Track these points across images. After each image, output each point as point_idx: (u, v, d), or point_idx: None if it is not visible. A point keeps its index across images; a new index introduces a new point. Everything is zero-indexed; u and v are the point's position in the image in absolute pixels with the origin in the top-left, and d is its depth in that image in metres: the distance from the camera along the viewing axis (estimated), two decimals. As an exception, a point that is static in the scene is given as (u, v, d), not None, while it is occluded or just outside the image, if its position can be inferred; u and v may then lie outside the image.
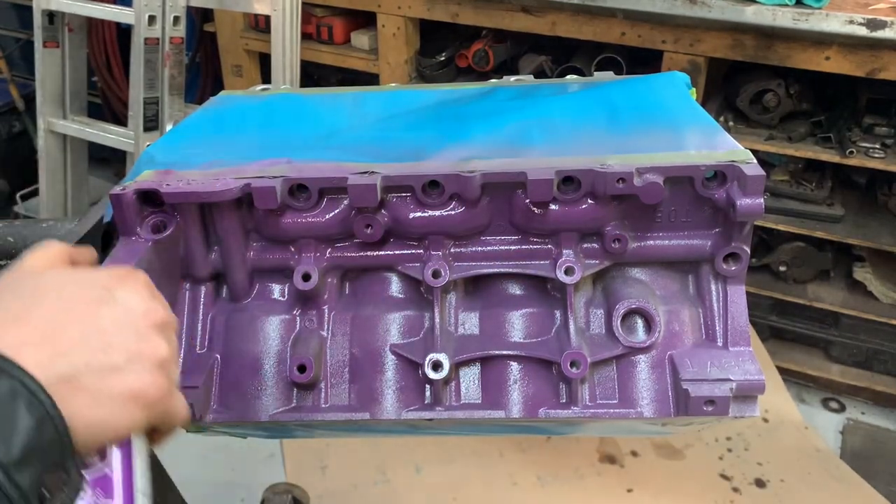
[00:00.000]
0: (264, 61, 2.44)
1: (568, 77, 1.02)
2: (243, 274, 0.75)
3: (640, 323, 0.72)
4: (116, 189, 0.68)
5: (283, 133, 0.83)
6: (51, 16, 2.45)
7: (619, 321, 0.71)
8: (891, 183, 2.12)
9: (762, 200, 0.66)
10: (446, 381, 0.70)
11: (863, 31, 1.68)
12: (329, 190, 0.72)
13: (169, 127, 2.30)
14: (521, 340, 0.73)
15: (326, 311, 0.75)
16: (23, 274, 0.52)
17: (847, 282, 2.24)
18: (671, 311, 0.72)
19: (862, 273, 2.18)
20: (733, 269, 0.70)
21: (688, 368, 0.69)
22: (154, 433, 0.54)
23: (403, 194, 0.72)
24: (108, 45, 2.96)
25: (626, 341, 0.70)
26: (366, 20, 2.37)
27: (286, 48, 2.11)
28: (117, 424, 0.47)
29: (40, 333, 0.46)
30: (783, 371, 2.32)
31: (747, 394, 0.69)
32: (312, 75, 2.56)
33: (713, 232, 0.72)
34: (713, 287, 0.72)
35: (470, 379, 0.72)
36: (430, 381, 0.70)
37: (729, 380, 0.68)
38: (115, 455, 0.50)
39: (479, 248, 0.75)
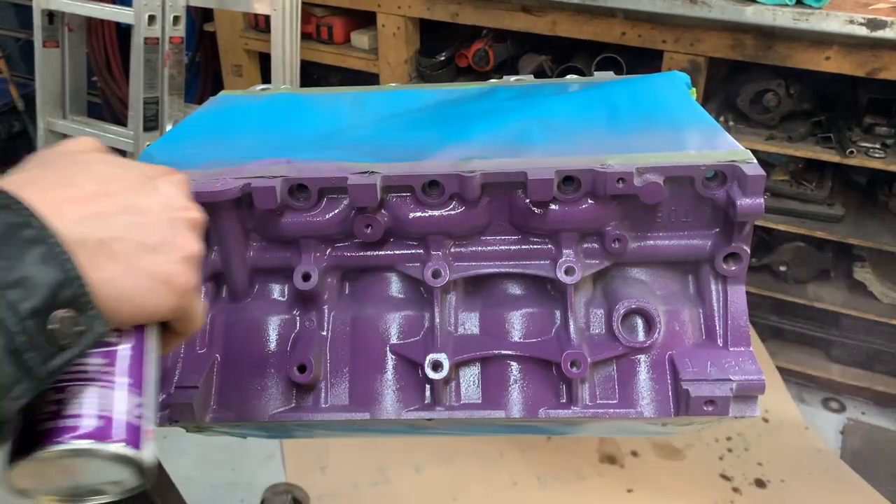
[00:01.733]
0: (264, 61, 2.43)
1: (568, 77, 1.02)
2: (243, 274, 0.75)
3: (640, 323, 0.72)
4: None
5: (283, 133, 0.83)
6: (50, 15, 2.45)
7: (619, 321, 0.71)
8: (891, 183, 2.12)
9: (762, 200, 0.66)
10: (446, 381, 0.70)
11: (863, 31, 1.68)
12: (329, 190, 0.72)
13: (169, 127, 2.30)
14: (521, 340, 0.73)
15: (326, 311, 0.75)
16: (64, 152, 0.53)
17: (847, 282, 2.24)
18: (671, 311, 0.72)
19: (862, 273, 2.18)
20: (733, 269, 0.70)
21: (688, 368, 0.69)
22: (168, 334, 0.53)
23: (403, 194, 0.72)
24: (107, 45, 2.96)
25: (627, 341, 0.70)
26: (366, 20, 2.37)
27: (286, 48, 2.11)
28: (143, 301, 0.47)
29: (84, 195, 0.46)
30: (783, 371, 2.32)
31: (747, 394, 0.69)
32: (312, 75, 2.56)
33: (713, 232, 0.72)
34: (713, 287, 0.72)
35: (470, 379, 0.72)
36: (430, 381, 0.70)
37: (729, 380, 0.68)
38: (131, 338, 0.49)
39: (479, 248, 0.75)
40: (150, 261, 0.47)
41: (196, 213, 0.53)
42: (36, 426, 0.44)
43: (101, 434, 0.45)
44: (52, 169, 0.49)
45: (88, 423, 0.45)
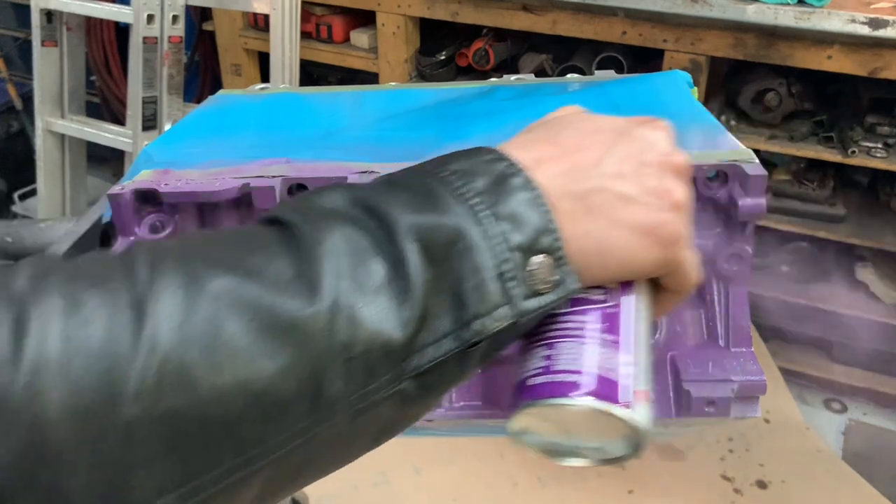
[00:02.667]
0: (263, 60, 2.43)
1: (569, 76, 1.01)
2: (241, 274, 0.75)
3: (641, 323, 0.71)
4: (115, 189, 0.68)
5: (282, 132, 0.82)
6: (49, 15, 2.44)
7: (620, 322, 0.70)
8: (893, 182, 2.12)
9: (764, 200, 0.66)
10: (446, 382, 0.70)
11: (865, 31, 1.67)
12: (328, 189, 0.71)
13: (167, 126, 2.30)
14: (522, 341, 0.72)
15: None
16: (548, 119, 0.54)
17: (849, 282, 2.24)
18: (672, 312, 0.72)
19: (864, 273, 2.17)
20: (735, 269, 0.70)
21: (689, 369, 0.68)
22: (662, 294, 0.51)
23: (403, 194, 0.71)
24: (106, 45, 2.96)
25: (628, 342, 0.70)
26: (365, 19, 2.37)
27: (285, 47, 2.11)
28: (626, 255, 0.45)
29: (562, 152, 0.47)
30: (785, 372, 2.32)
31: (749, 394, 0.68)
32: (312, 74, 2.56)
33: (715, 232, 0.72)
34: (715, 287, 0.72)
35: (470, 379, 0.72)
36: (430, 383, 0.70)
37: (730, 380, 0.68)
38: (618, 295, 0.47)
39: (480, 249, 0.74)
40: (631, 212, 0.45)
41: (680, 158, 0.50)
42: (529, 380, 0.45)
43: (606, 394, 0.43)
44: (535, 132, 0.51)
45: (590, 380, 0.44)
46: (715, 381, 0.68)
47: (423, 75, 2.32)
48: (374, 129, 0.83)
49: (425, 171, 0.46)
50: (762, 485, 1.98)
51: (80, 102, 2.66)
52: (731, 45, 1.87)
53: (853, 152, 1.91)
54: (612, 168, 0.46)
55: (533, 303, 0.42)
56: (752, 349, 0.70)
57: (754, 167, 0.66)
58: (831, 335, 2.31)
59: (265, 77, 2.45)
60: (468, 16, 2.10)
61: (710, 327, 0.71)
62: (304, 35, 2.30)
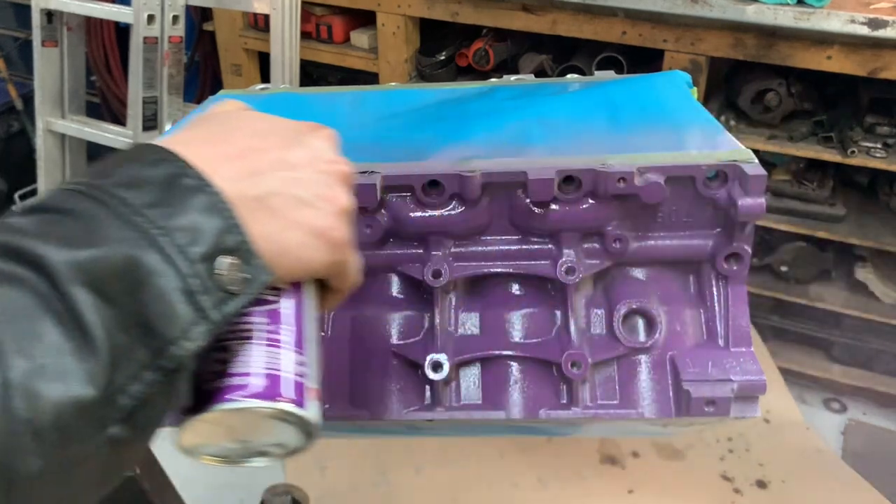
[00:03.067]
0: (263, 60, 2.43)
1: (568, 76, 1.01)
2: (242, 274, 0.75)
3: (641, 323, 0.71)
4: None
5: (282, 132, 0.82)
6: (49, 15, 2.44)
7: (620, 321, 0.70)
8: (893, 183, 2.12)
9: (764, 200, 0.66)
10: (446, 381, 0.70)
11: (864, 31, 1.68)
12: (328, 189, 0.71)
13: (168, 126, 2.30)
14: (522, 341, 0.72)
15: (326, 311, 0.74)
16: (210, 114, 0.53)
17: (849, 282, 2.24)
18: (672, 312, 0.72)
19: (864, 273, 2.17)
20: (735, 269, 0.70)
21: (689, 369, 0.69)
22: (326, 293, 0.53)
23: (403, 194, 0.72)
24: (106, 45, 2.96)
25: (627, 341, 0.70)
26: (365, 19, 2.37)
27: (285, 47, 2.11)
28: (301, 256, 0.46)
29: (236, 152, 0.46)
30: (784, 371, 2.32)
31: (748, 394, 0.68)
32: (312, 74, 2.56)
33: (714, 232, 0.72)
34: (714, 287, 0.72)
35: (470, 379, 0.72)
36: (431, 382, 0.70)
37: (730, 380, 0.68)
38: (290, 295, 0.48)
39: (480, 248, 0.74)
40: (305, 215, 0.47)
41: (346, 167, 0.52)
42: (203, 385, 0.44)
43: (270, 393, 0.44)
44: (201, 129, 0.50)
45: (257, 381, 0.44)
46: (714, 381, 0.68)
47: (423, 75, 2.32)
48: (374, 129, 0.83)
49: (83, 187, 0.41)
50: (762, 484, 1.98)
51: (80, 102, 2.66)
52: (730, 45, 1.87)
53: (853, 152, 1.91)
54: (287, 173, 0.47)
55: (230, 307, 0.41)
56: (752, 349, 0.70)
57: (754, 167, 0.66)
58: (831, 335, 2.31)
59: (265, 77, 2.45)
60: (468, 16, 2.10)
61: (710, 327, 0.72)
62: (305, 35, 2.30)
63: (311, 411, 0.46)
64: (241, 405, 0.43)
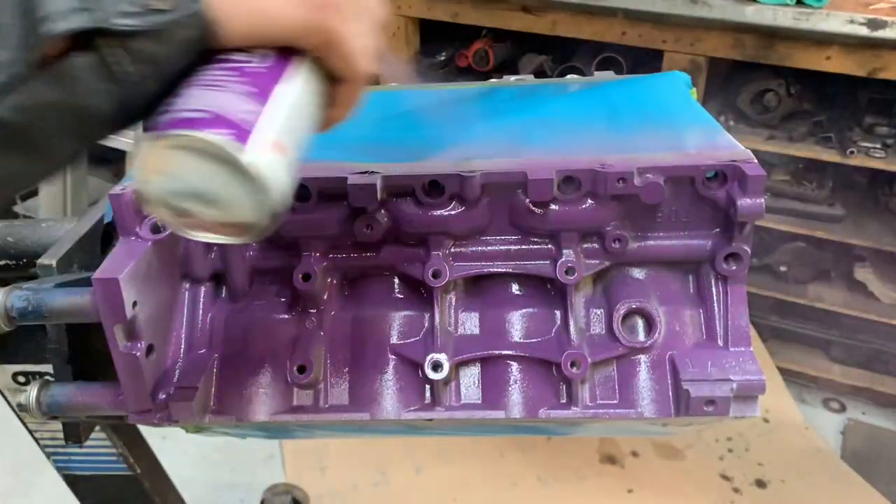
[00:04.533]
0: (264, 61, 2.43)
1: (568, 77, 1.02)
2: (243, 274, 0.75)
3: (640, 323, 0.72)
4: (116, 189, 0.68)
5: (283, 133, 0.83)
6: (50, 15, 2.44)
7: (619, 321, 0.71)
8: (892, 183, 2.12)
9: (763, 200, 0.66)
10: (446, 381, 0.70)
11: (863, 31, 1.68)
12: (329, 190, 0.72)
13: (169, 127, 2.30)
14: (522, 340, 0.73)
15: (326, 311, 0.75)
16: None
17: (848, 282, 2.24)
18: (672, 312, 0.72)
19: (863, 273, 2.18)
20: (734, 269, 0.70)
21: (688, 368, 0.69)
22: (333, 89, 0.47)
23: (403, 194, 0.72)
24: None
25: (627, 341, 0.70)
26: (366, 20, 2.37)
27: (286, 48, 2.11)
28: (268, 4, 0.41)
29: None
30: (784, 371, 2.32)
31: (748, 394, 0.68)
32: (312, 75, 2.56)
33: (714, 232, 0.72)
34: (714, 287, 0.72)
35: (470, 379, 0.72)
36: (430, 382, 0.70)
37: (729, 380, 0.68)
38: (269, 60, 0.44)
39: (479, 248, 0.74)
40: None
41: None
42: (152, 121, 0.42)
43: (201, 124, 0.40)
44: None
45: (190, 115, 0.41)
46: (714, 381, 0.68)
47: (422, 76, 2.32)
48: (374, 129, 0.83)
49: None
50: (761, 484, 1.99)
51: (80, 103, 2.65)
52: (730, 45, 1.87)
53: (852, 152, 1.91)
54: None
55: (137, 19, 0.37)
56: (751, 349, 0.70)
57: (753, 167, 0.67)
58: (830, 335, 2.32)
59: (265, 77, 2.46)
60: (468, 17, 2.11)
61: (709, 327, 0.72)
62: (305, 35, 2.30)
63: (254, 156, 0.41)
64: (165, 134, 0.40)
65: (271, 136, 0.42)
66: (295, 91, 0.45)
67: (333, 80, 0.47)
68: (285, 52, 0.45)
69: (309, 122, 0.48)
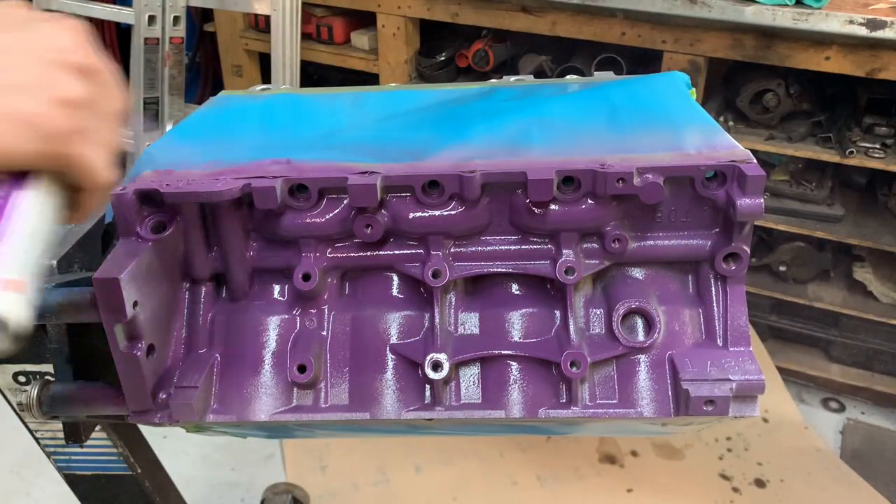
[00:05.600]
0: (264, 61, 2.44)
1: (568, 77, 1.02)
2: (243, 274, 0.75)
3: (640, 323, 0.72)
4: (116, 189, 0.68)
5: (283, 133, 0.83)
6: (50, 16, 2.44)
7: (619, 321, 0.71)
8: (891, 183, 2.12)
9: (762, 200, 0.66)
10: (446, 381, 0.70)
11: (863, 31, 1.68)
12: (329, 190, 0.72)
13: (169, 127, 2.30)
14: (521, 340, 0.73)
15: (326, 311, 0.75)
16: None
17: (847, 282, 2.25)
18: (671, 311, 0.72)
19: (862, 273, 2.18)
20: (733, 269, 0.70)
21: (688, 368, 0.69)
22: (74, 195, 0.49)
23: (403, 194, 0.72)
24: (108, 45, 2.96)
25: (626, 341, 0.70)
26: (366, 20, 2.37)
27: (286, 48, 2.11)
28: (4, 145, 0.43)
29: None
30: (783, 371, 2.32)
31: (747, 394, 0.69)
32: (312, 75, 2.56)
33: (713, 232, 0.72)
34: (713, 287, 0.72)
35: (470, 379, 0.72)
36: (430, 381, 0.70)
37: (729, 380, 0.68)
38: (10, 187, 0.44)
39: (479, 248, 0.75)
40: (9, 100, 0.43)
41: (87, 59, 0.48)
42: None
43: None
44: None
45: None
46: (713, 381, 0.68)
47: (423, 76, 2.32)
48: (374, 129, 0.84)
49: None
50: (760, 483, 1.99)
51: (80, 103, 2.65)
52: (729, 46, 1.87)
53: (851, 153, 1.91)
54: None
55: None
56: (751, 348, 0.70)
57: (752, 167, 0.67)
58: (829, 334, 2.32)
59: (266, 78, 2.46)
60: (468, 17, 2.11)
61: (709, 327, 0.72)
62: (305, 36, 2.31)
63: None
64: None
65: (6, 276, 0.42)
66: (31, 215, 0.46)
67: (74, 188, 0.49)
68: (20, 174, 0.46)
69: (47, 240, 0.48)
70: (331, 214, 0.73)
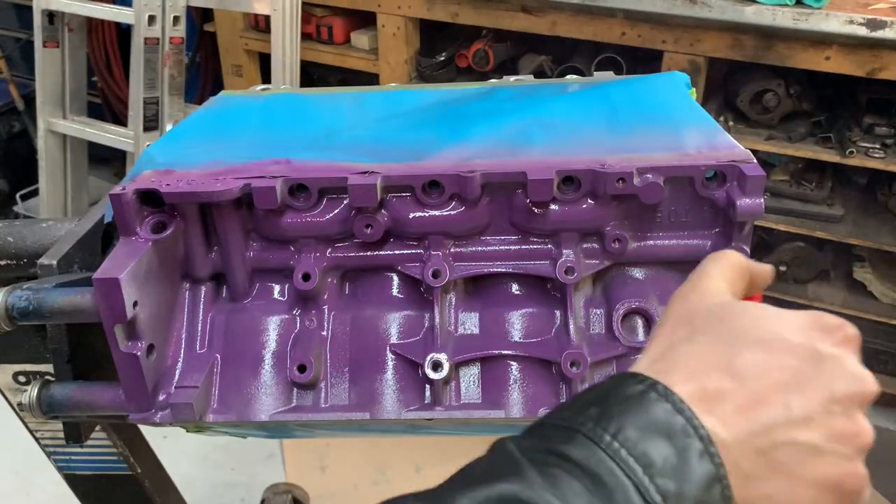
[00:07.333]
0: (264, 61, 2.44)
1: (568, 77, 1.02)
2: (243, 274, 0.75)
3: (640, 323, 0.72)
4: (116, 189, 0.68)
5: (283, 133, 0.83)
6: (51, 16, 2.45)
7: (619, 321, 0.71)
8: (891, 183, 2.12)
9: (762, 200, 0.66)
10: (446, 380, 0.70)
11: (863, 31, 1.68)
12: (329, 190, 0.72)
13: (169, 127, 2.30)
14: (521, 340, 0.73)
15: (326, 311, 0.75)
16: (711, 297, 0.46)
17: (847, 282, 2.24)
18: None
19: (862, 273, 2.18)
20: (733, 269, 0.70)
21: (688, 368, 0.69)
22: None
23: (403, 194, 0.72)
24: (108, 45, 2.96)
25: (626, 341, 0.70)
26: (366, 20, 2.37)
27: (286, 48, 2.11)
28: None
29: (738, 386, 0.40)
30: (783, 371, 2.32)
31: (747, 394, 0.69)
32: (312, 75, 2.56)
33: (713, 232, 0.72)
34: (713, 287, 0.72)
35: (470, 379, 0.72)
36: (430, 381, 0.70)
37: (729, 380, 0.68)
38: None
39: (479, 248, 0.75)
40: (818, 466, 0.39)
41: (870, 384, 0.43)
42: None
43: None
44: (703, 345, 0.42)
45: None
46: (713, 380, 0.68)
47: (423, 76, 2.32)
48: (374, 129, 0.84)
49: (589, 435, 0.39)
50: (761, 484, 1.99)
51: (81, 103, 2.66)
52: (729, 46, 1.87)
53: (851, 153, 1.91)
54: (799, 410, 0.39)
55: None
56: (750, 348, 0.70)
57: (752, 167, 0.67)
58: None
59: (266, 78, 2.46)
60: (468, 17, 2.11)
61: (708, 326, 0.72)
62: (305, 36, 2.31)
63: None
64: None
65: None
66: None
67: None
68: None
69: None
70: (331, 214, 0.73)
